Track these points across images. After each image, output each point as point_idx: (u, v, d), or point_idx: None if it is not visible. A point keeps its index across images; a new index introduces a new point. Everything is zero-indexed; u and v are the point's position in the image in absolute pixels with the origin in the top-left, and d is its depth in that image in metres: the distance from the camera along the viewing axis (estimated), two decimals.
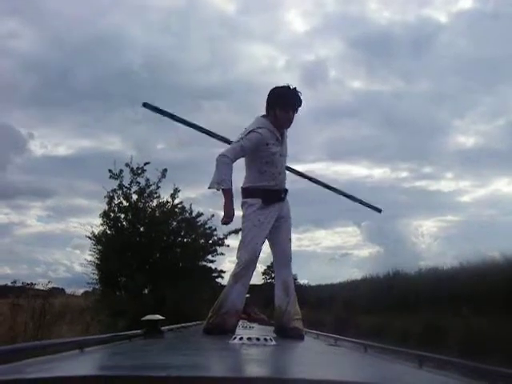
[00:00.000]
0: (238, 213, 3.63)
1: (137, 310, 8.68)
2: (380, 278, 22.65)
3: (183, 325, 4.34)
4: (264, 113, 3.64)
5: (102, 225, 10.14)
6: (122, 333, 2.85)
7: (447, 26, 47.73)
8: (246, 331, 3.88)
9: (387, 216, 45.70)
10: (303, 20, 60.77)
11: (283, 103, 3.53)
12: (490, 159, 50.21)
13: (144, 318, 2.91)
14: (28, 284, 9.84)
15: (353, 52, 51.95)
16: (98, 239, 10.18)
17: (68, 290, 14.93)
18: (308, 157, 43.62)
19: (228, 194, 3.44)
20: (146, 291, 10.20)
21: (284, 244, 3.72)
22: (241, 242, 3.62)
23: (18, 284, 9.80)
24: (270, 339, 2.70)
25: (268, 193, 3.62)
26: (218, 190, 3.45)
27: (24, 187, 53.05)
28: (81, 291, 13.24)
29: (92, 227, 10.21)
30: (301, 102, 3.62)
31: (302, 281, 38.26)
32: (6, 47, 46.35)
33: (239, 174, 3.73)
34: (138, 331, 2.89)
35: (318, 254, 52.66)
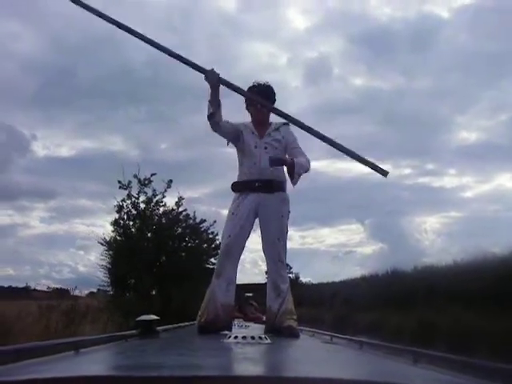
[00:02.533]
0: None
1: (146, 309, 9.06)
2: (379, 276, 22.29)
3: (179, 324, 4.22)
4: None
5: (112, 231, 10.37)
6: (118, 333, 2.73)
7: (449, 22, 45.63)
8: (241, 330, 3.68)
9: (390, 213, 44.71)
10: (304, 17, 58.86)
11: (250, 99, 3.54)
12: (492, 154, 47.52)
13: (139, 319, 2.75)
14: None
15: (354, 49, 49.69)
16: (109, 245, 10.37)
17: (72, 292, 14.84)
18: (310, 154, 44.00)
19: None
20: (154, 292, 10.34)
21: (272, 244, 3.44)
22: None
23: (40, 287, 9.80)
24: (265, 338, 2.53)
25: (242, 184, 3.50)
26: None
27: (27, 188, 51.29)
28: (85, 292, 13.23)
29: (103, 234, 10.44)
30: (267, 94, 3.53)
31: (305, 279, 37.67)
32: (7, 49, 44.32)
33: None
34: (134, 331, 2.73)
35: (321, 251, 50.74)
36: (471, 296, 11.76)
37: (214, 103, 3.40)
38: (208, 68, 3.41)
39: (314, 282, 33.59)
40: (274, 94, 3.60)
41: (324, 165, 52.38)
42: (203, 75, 3.39)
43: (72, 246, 59.28)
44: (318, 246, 54.78)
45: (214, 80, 3.36)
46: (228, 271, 3.37)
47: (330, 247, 56.41)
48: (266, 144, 3.50)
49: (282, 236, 3.48)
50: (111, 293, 10.69)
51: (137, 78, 43.24)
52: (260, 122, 3.56)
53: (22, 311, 8.96)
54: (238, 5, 53.09)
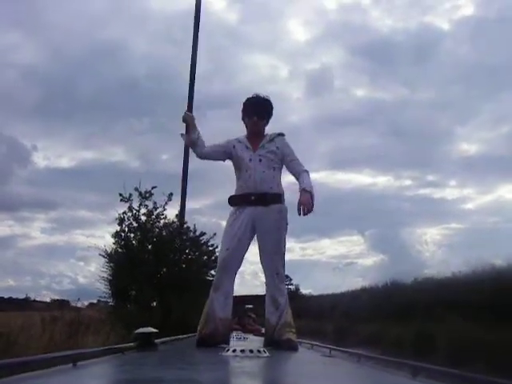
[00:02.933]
0: None
1: (147, 321, 8.94)
2: (379, 287, 22.15)
3: (177, 337, 4.18)
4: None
5: (113, 244, 10.24)
6: (115, 346, 2.70)
7: (449, 33, 46.79)
8: (239, 343, 3.65)
9: (391, 224, 44.27)
10: (305, 29, 58.40)
11: (246, 111, 3.55)
12: (493, 166, 47.72)
13: (137, 331, 2.71)
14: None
15: (355, 60, 51.14)
16: (110, 257, 10.25)
17: (73, 303, 14.69)
18: (311, 165, 43.26)
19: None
20: (155, 304, 10.24)
21: (269, 258, 3.41)
22: None
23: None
24: (264, 351, 2.50)
25: (238, 197, 3.49)
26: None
27: (28, 199, 50.68)
28: (85, 303, 13.13)
29: (105, 246, 10.28)
30: (265, 107, 3.53)
31: (306, 290, 37.24)
32: (8, 59, 45.06)
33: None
34: (131, 344, 2.69)
35: (322, 263, 51.48)
36: (470, 308, 11.69)
37: (189, 137, 3.55)
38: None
39: (315, 293, 33.20)
40: (271, 108, 3.58)
41: (324, 176, 51.86)
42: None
43: (72, 256, 58.94)
44: (319, 258, 55.14)
45: (189, 121, 3.65)
46: (225, 285, 3.34)
47: (331, 259, 56.18)
48: (260, 156, 3.47)
49: (280, 249, 3.43)
50: (112, 304, 10.58)
51: (138, 89, 42.83)
52: (255, 134, 3.54)
53: (25, 322, 8.93)
54: (239, 16, 53.64)
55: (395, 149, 49.69)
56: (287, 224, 3.52)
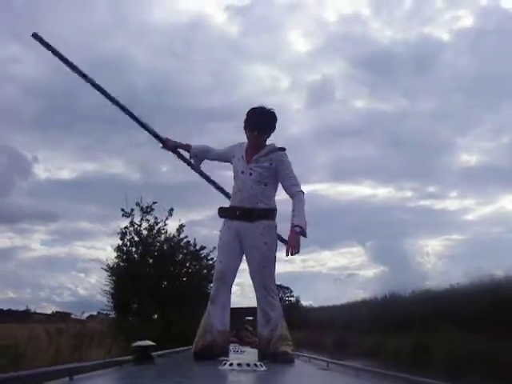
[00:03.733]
0: None
1: (148, 333, 8.50)
2: (378, 300, 21.55)
3: (174, 349, 4.10)
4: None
5: (115, 258, 10.30)
6: (112, 359, 2.64)
7: (449, 44, 44.36)
8: (237, 356, 3.56)
9: (392, 235, 43.56)
10: (305, 40, 56.71)
11: (248, 124, 3.39)
12: (494, 177, 45.67)
13: (134, 344, 2.65)
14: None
15: (356, 71, 48.30)
16: (112, 270, 10.30)
17: (74, 315, 14.40)
18: (312, 177, 40.48)
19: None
20: (156, 316, 10.27)
21: (257, 272, 3.28)
22: None
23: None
24: (261, 365, 2.42)
25: (224, 210, 3.41)
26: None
27: (28, 211, 47.65)
28: (86, 315, 13.00)
29: (107, 260, 10.36)
30: (268, 121, 3.38)
31: (306, 302, 36.68)
32: (8, 72, 42.56)
33: None
34: (129, 357, 2.62)
35: (323, 274, 49.77)
36: (468, 320, 11.58)
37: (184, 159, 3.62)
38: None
39: (316, 305, 32.77)
40: (274, 121, 3.43)
41: (325, 188, 50.93)
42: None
43: (73, 268, 57.99)
44: (320, 269, 53.53)
45: (171, 147, 3.75)
46: (222, 297, 3.26)
47: (332, 270, 55.11)
48: (251, 170, 3.33)
49: (267, 263, 3.30)
50: (113, 317, 10.59)
51: (139, 101, 42.24)
52: (253, 146, 3.40)
53: (31, 335, 8.85)
54: (240, 28, 52.58)
55: (395, 160, 47.47)
56: (277, 240, 3.40)
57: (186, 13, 52.48)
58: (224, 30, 50.00)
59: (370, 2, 56.02)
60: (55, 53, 3.72)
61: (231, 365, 2.41)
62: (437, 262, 38.24)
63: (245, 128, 3.42)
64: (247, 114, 3.40)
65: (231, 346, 3.90)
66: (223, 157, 3.60)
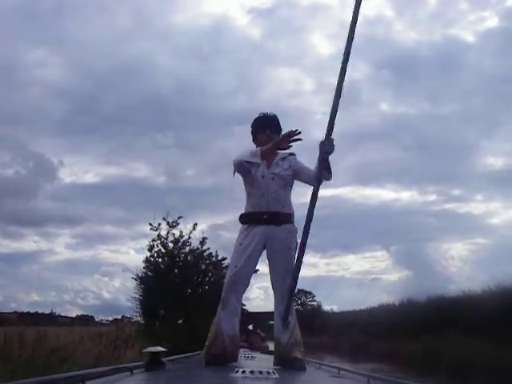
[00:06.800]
0: None
1: (174, 337, 9.28)
2: (395, 305, 20.93)
3: (185, 355, 4.00)
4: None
5: (144, 268, 10.62)
6: (124, 365, 2.57)
7: (474, 46, 41.82)
8: (248, 362, 3.39)
9: (416, 239, 41.41)
10: (329, 43, 51.00)
11: (257, 128, 3.30)
12: None
13: (145, 350, 2.52)
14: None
15: (379, 74, 45.69)
16: (141, 280, 10.62)
17: (97, 318, 14.27)
18: (335, 181, 40.12)
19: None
20: (181, 322, 10.43)
21: (280, 277, 3.12)
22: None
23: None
24: (273, 372, 2.27)
25: (249, 215, 3.20)
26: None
27: (53, 215, 46.38)
28: (110, 318, 13.09)
29: (136, 270, 10.69)
30: (276, 123, 3.29)
31: (329, 307, 34.49)
32: (34, 76, 42.29)
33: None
34: (140, 363, 2.49)
35: (346, 279, 47.03)
36: (483, 326, 11.18)
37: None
38: None
39: (338, 310, 31.31)
40: (279, 122, 3.33)
41: (348, 191, 47.99)
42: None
43: (97, 271, 55.02)
44: (343, 274, 50.81)
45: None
46: (233, 302, 3.10)
47: (355, 274, 51.86)
48: (274, 175, 3.18)
49: (291, 268, 3.14)
50: (138, 320, 10.82)
51: (164, 104, 40.23)
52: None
53: (69, 337, 9.08)
54: (263, 31, 50.08)
55: (420, 163, 44.30)
56: (297, 244, 3.18)
57: (209, 15, 50.99)
58: (247, 33, 48.10)
59: (393, 4, 51.84)
60: None
61: (244, 372, 2.32)
62: (461, 266, 35.42)
63: (254, 137, 3.33)
64: (253, 123, 3.35)
65: (241, 351, 3.79)
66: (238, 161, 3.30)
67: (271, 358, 3.29)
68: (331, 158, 3.01)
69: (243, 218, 3.25)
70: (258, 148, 3.19)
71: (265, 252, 3.22)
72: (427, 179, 48.22)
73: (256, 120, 3.35)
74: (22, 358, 6.12)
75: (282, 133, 3.18)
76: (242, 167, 3.16)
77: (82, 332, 9.77)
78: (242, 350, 3.85)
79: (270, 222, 3.14)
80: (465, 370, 9.64)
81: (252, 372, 2.28)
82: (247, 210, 3.24)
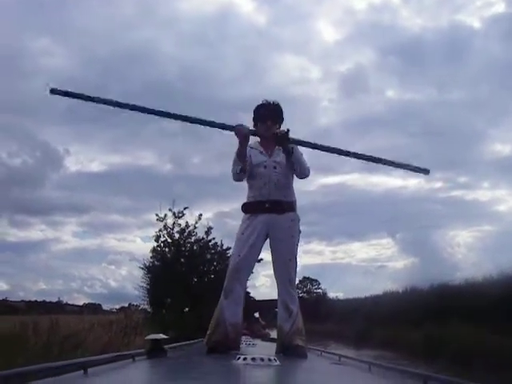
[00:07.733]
0: None
1: (180, 325, 9.42)
2: (399, 293, 20.75)
3: (186, 342, 3.93)
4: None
5: (151, 258, 10.65)
6: (126, 352, 2.44)
7: (481, 32, 40.71)
8: (249, 349, 3.35)
9: (422, 226, 40.87)
10: (334, 29, 52.36)
11: (258, 117, 3.20)
12: None
13: (148, 337, 2.47)
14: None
15: (385, 60, 44.72)
16: (148, 269, 10.65)
17: (104, 306, 14.29)
18: (342, 168, 38.76)
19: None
20: (187, 310, 10.50)
21: (284, 265, 3.09)
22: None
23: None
24: (274, 359, 2.21)
25: (252, 204, 3.15)
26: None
27: (59, 203, 45.63)
28: (117, 306, 13.13)
29: (143, 259, 10.72)
30: (277, 112, 3.20)
31: (335, 294, 34.32)
32: (39, 65, 41.00)
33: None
34: (142, 350, 2.45)
35: (352, 266, 46.70)
36: (485, 313, 11.05)
37: (242, 157, 3.02)
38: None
39: (343, 297, 31.07)
40: (282, 112, 3.24)
41: (355, 178, 47.69)
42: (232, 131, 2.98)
43: (104, 260, 55.79)
44: (349, 261, 50.19)
45: (245, 132, 2.97)
46: (237, 290, 3.04)
47: (361, 262, 51.90)
48: (275, 163, 3.15)
49: (293, 256, 3.13)
50: (145, 308, 10.92)
51: (170, 92, 38.38)
52: (268, 140, 3.18)
53: (80, 324, 9.12)
54: (268, 18, 48.76)
55: (427, 150, 41.26)
56: (300, 232, 3.19)
57: (214, 2, 50.83)
58: (253, 19, 46.88)
59: None
60: (79, 96, 3.16)
61: (245, 359, 2.24)
62: (467, 253, 34.50)
63: (255, 124, 3.22)
64: (254, 110, 3.24)
65: (243, 338, 3.72)
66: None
67: (273, 345, 3.26)
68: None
69: (245, 207, 3.20)
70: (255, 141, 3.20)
71: (267, 241, 3.18)
72: (434, 166, 46.27)
73: (258, 108, 3.25)
74: (37, 345, 6.13)
75: (283, 127, 3.15)
76: (241, 177, 3.13)
77: (91, 320, 9.78)
78: (243, 337, 3.75)
79: (272, 211, 3.09)
80: (467, 357, 9.53)
81: (253, 359, 2.22)
82: (249, 199, 3.20)
